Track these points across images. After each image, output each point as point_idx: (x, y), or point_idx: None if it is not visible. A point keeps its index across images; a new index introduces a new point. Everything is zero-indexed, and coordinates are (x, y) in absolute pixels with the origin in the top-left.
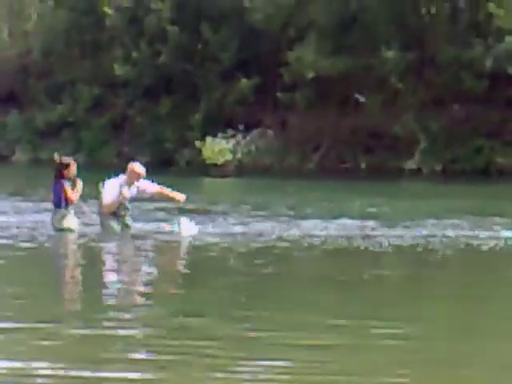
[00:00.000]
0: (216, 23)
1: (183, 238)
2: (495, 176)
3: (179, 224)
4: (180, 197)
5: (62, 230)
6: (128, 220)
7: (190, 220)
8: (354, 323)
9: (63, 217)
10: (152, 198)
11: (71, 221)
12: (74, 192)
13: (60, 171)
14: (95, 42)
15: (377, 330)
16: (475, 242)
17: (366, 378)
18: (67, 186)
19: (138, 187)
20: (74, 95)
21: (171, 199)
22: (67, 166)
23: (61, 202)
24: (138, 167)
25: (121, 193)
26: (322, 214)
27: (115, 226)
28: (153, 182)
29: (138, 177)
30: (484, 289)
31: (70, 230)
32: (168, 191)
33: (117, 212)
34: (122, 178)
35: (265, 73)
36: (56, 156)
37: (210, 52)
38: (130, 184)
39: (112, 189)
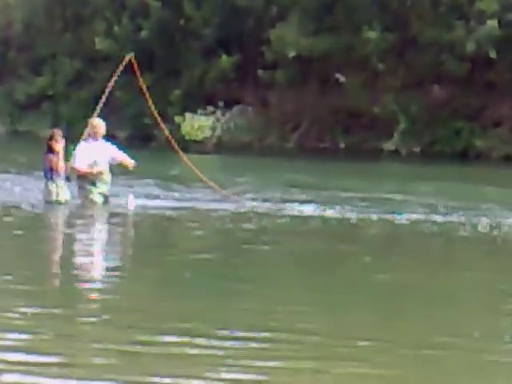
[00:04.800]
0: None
1: (130, 210)
2: (473, 159)
3: (127, 199)
4: (130, 163)
5: (52, 202)
6: (105, 190)
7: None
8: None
9: (52, 189)
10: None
11: (60, 193)
12: (61, 162)
13: (47, 143)
14: (77, 16)
15: None
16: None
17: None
18: (52, 156)
19: (112, 157)
20: (55, 68)
21: (124, 165)
22: (51, 137)
23: (48, 173)
24: (96, 121)
25: (94, 166)
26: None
27: (96, 197)
28: (119, 146)
29: (96, 130)
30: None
31: (59, 203)
32: (127, 159)
33: (93, 179)
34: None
35: (246, 50)
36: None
37: (192, 28)
38: (94, 138)
39: (82, 151)
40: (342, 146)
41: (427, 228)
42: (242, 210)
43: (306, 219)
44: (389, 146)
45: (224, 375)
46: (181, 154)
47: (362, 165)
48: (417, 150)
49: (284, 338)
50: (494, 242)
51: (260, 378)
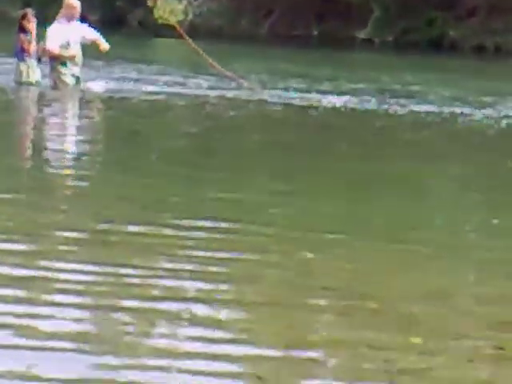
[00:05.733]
0: None
1: (99, 92)
2: (447, 49)
3: (95, 82)
4: (104, 44)
5: (22, 83)
6: (77, 71)
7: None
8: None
9: (23, 69)
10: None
11: (31, 73)
12: (32, 44)
13: (19, 23)
14: None
15: None
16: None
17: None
18: (24, 36)
19: (84, 36)
20: None
21: (97, 45)
22: (23, 16)
23: (19, 54)
24: (72, 1)
25: (67, 47)
26: None
27: (68, 79)
28: (94, 28)
29: (73, 11)
30: None
31: (30, 83)
32: (101, 40)
33: (65, 60)
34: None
35: None
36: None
37: None
38: (68, 19)
39: (55, 31)
40: (315, 33)
41: (421, 119)
42: (257, 98)
43: (302, 108)
44: (362, 34)
45: (187, 266)
46: (187, 38)
47: (337, 53)
48: (390, 39)
49: (249, 229)
50: (486, 135)
51: (221, 269)
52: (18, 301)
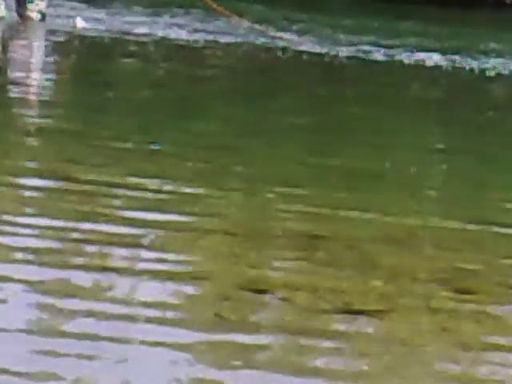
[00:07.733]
0: None
1: (78, 29)
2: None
3: (75, 19)
4: None
5: None
6: (43, 7)
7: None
8: None
9: None
10: None
11: None
12: None
13: None
14: None
15: None
16: None
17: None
18: None
19: None
20: None
21: None
22: None
23: None
24: None
25: None
26: None
27: (33, 14)
28: None
29: None
30: None
31: None
32: None
33: None
34: None
35: None
36: None
37: None
38: None
39: None
40: None
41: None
42: (266, 40)
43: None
44: None
45: (144, 215)
46: None
47: None
48: None
49: (212, 169)
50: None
51: (180, 219)
52: None
